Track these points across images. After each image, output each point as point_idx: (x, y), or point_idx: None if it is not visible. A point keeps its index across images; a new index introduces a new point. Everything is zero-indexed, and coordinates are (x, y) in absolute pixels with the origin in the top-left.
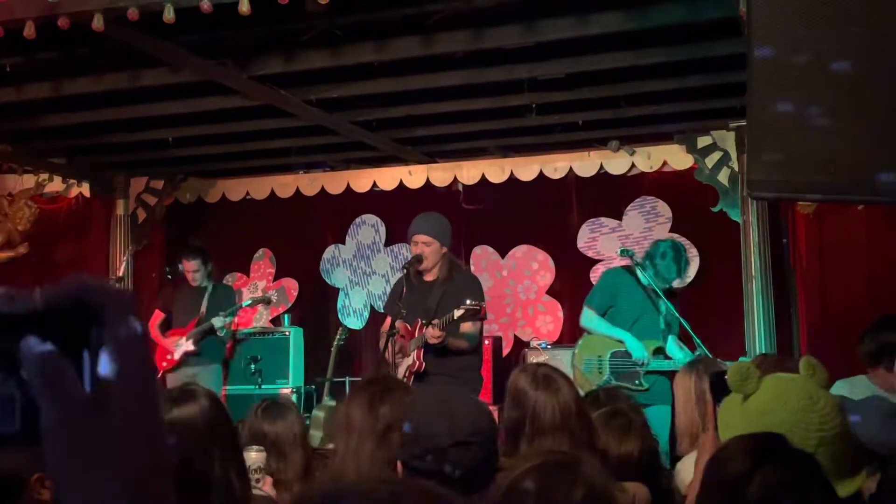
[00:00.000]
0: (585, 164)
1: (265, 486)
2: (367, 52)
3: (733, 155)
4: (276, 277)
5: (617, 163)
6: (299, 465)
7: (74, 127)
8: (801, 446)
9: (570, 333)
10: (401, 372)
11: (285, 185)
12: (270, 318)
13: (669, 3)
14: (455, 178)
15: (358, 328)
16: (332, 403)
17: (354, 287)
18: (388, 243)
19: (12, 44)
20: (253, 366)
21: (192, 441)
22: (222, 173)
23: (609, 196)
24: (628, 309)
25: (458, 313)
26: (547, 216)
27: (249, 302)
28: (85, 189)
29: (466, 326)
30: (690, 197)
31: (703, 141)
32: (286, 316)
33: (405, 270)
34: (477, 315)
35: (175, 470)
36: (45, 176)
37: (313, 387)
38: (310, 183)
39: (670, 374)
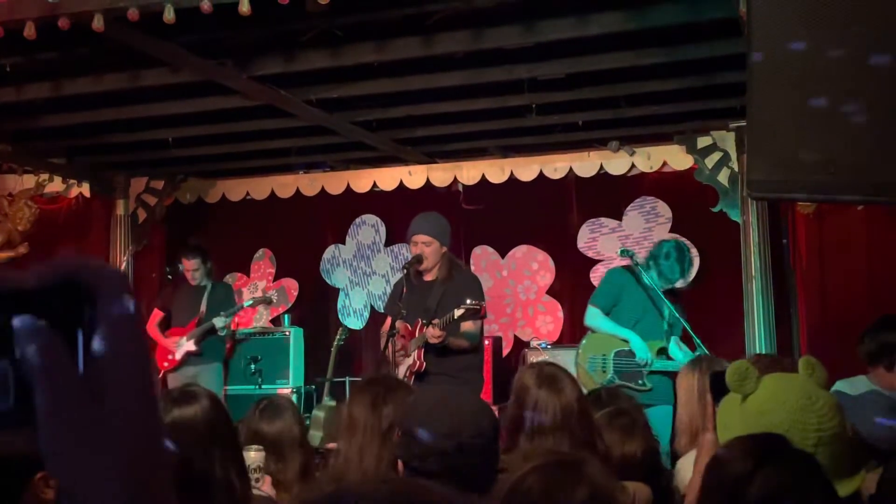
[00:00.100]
0: (585, 164)
1: (265, 486)
2: (368, 53)
3: (733, 155)
4: (277, 277)
5: (617, 163)
6: (298, 465)
7: (74, 127)
8: (800, 446)
9: (570, 334)
10: (401, 372)
11: (285, 185)
12: (270, 318)
13: (669, 3)
14: (455, 178)
15: (358, 328)
16: (332, 403)
17: (354, 287)
18: (388, 243)
19: (12, 44)
20: (253, 366)
21: (192, 441)
22: (222, 173)
23: (609, 196)
24: (631, 309)
25: (458, 313)
26: (547, 216)
27: (251, 302)
28: (85, 189)
29: (467, 326)
30: (690, 197)
31: (702, 141)
32: (286, 316)
33: (405, 271)
34: (477, 314)
35: (174, 462)
36: (45, 176)
37: (313, 387)
38: (310, 183)
39: (672, 375)
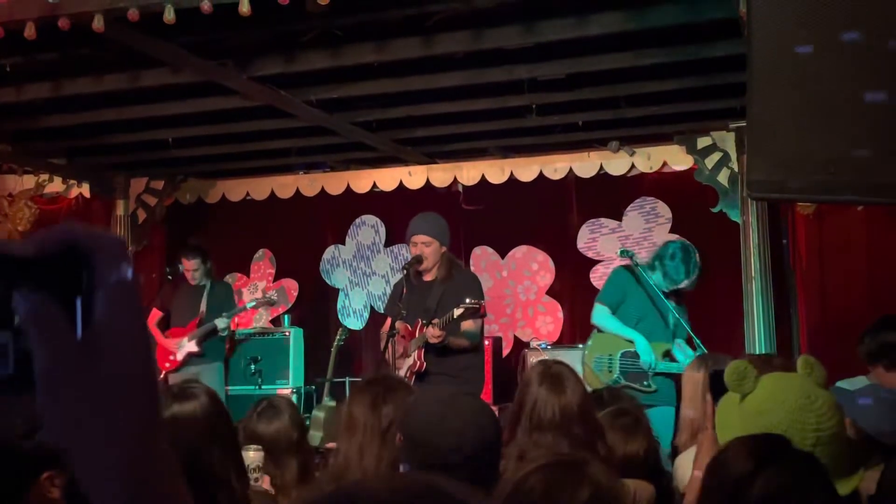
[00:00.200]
0: (585, 164)
1: (264, 486)
2: (368, 53)
3: (733, 156)
4: (276, 278)
5: (617, 163)
6: (295, 469)
7: (74, 127)
8: (799, 446)
9: (570, 334)
10: (402, 372)
11: (285, 185)
12: (270, 318)
13: (669, 3)
14: (455, 178)
15: (358, 329)
16: (332, 404)
17: (354, 287)
18: (388, 244)
19: (13, 44)
20: (253, 366)
21: (191, 437)
22: (222, 174)
23: (609, 197)
24: (633, 308)
25: (457, 312)
26: (547, 217)
27: (254, 303)
28: (85, 190)
29: (467, 325)
30: (690, 198)
31: (702, 142)
32: (286, 316)
33: (405, 271)
34: (477, 313)
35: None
36: (45, 176)
37: (313, 387)
38: (310, 183)
39: (676, 377)
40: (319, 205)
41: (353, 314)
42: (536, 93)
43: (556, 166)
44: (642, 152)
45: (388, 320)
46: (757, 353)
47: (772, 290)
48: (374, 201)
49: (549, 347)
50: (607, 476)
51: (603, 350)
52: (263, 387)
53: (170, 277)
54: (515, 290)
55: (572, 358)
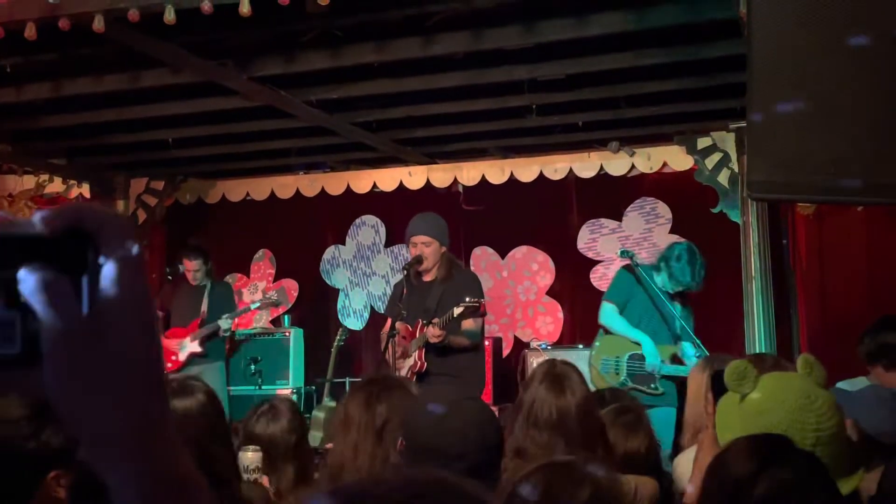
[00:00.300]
0: (585, 165)
1: (263, 486)
2: (368, 53)
3: (733, 156)
4: (276, 278)
5: (617, 164)
6: (291, 474)
7: (75, 128)
8: (798, 446)
9: (570, 334)
10: (403, 373)
11: (285, 185)
12: (270, 318)
13: (669, 3)
14: (455, 179)
15: (358, 329)
16: (332, 404)
17: (354, 288)
18: (388, 244)
19: (13, 44)
20: (253, 366)
21: (191, 433)
22: (222, 174)
23: (609, 197)
24: (635, 309)
25: (457, 311)
26: (547, 217)
27: (258, 304)
28: (85, 190)
29: (468, 324)
30: (690, 198)
31: (703, 142)
32: (286, 317)
33: (405, 272)
34: (477, 311)
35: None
36: (45, 177)
37: (313, 387)
38: (310, 184)
39: (681, 380)
40: (319, 205)
41: (353, 314)
42: (536, 93)
43: (556, 167)
44: (642, 153)
45: (389, 321)
46: (757, 353)
47: (772, 291)
48: (375, 201)
49: (549, 348)
50: (607, 476)
51: (610, 352)
52: (263, 387)
53: (170, 278)
54: (515, 291)
55: (572, 358)
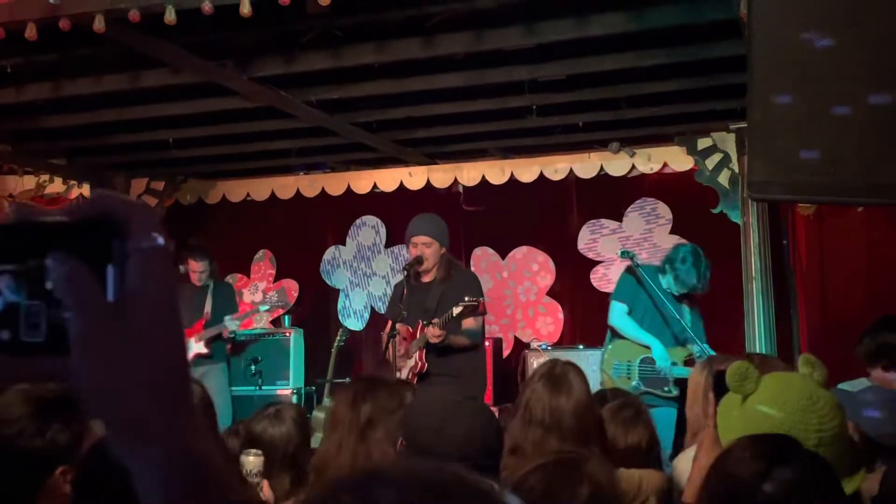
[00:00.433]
0: (586, 165)
1: (264, 490)
2: (368, 54)
3: (734, 156)
4: (277, 278)
5: (617, 164)
6: (288, 481)
7: (75, 128)
8: None
9: (571, 335)
10: (404, 374)
11: (286, 186)
12: (271, 319)
13: (669, 4)
14: (455, 179)
15: (358, 329)
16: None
17: (355, 288)
18: (388, 244)
19: (13, 45)
20: (253, 367)
21: None
22: (223, 174)
23: (609, 197)
24: (638, 311)
25: (456, 310)
26: (547, 218)
27: (267, 307)
28: (85, 190)
29: (468, 323)
30: (691, 198)
31: (703, 142)
32: (286, 317)
33: (406, 272)
34: (476, 310)
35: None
36: (45, 177)
37: (313, 388)
38: (310, 184)
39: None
40: (320, 205)
41: (353, 315)
42: (537, 94)
43: (556, 167)
44: (643, 153)
45: (389, 323)
46: (757, 353)
47: (772, 291)
48: (375, 202)
49: (549, 348)
50: (606, 475)
51: (622, 356)
52: (264, 387)
53: None
54: (516, 291)
55: (573, 358)
